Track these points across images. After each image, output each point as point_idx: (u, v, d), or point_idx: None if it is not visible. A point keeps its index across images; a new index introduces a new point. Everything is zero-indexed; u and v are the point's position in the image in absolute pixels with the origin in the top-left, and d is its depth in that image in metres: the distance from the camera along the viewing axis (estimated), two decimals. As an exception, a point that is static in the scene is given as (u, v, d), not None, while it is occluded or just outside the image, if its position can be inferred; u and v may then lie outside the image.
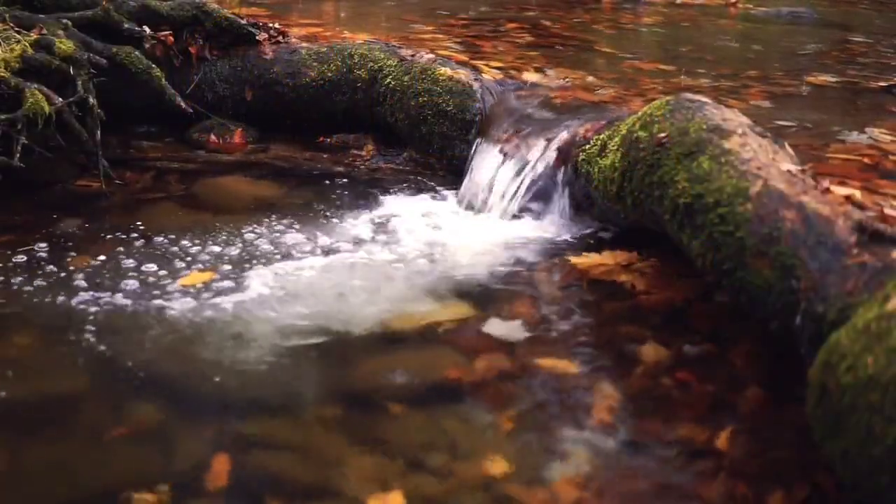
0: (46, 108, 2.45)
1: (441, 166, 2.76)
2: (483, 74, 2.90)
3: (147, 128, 3.01)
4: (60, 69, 2.57)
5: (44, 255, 2.14)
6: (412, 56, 2.91)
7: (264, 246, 2.24)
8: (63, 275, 2.05)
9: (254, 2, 4.47)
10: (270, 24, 3.17)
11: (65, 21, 2.76)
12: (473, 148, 2.63)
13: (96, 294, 1.97)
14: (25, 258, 2.13)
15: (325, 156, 2.91)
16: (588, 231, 2.35)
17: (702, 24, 4.69)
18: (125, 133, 2.93)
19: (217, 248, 2.21)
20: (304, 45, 3.07)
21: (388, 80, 2.88)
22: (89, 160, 2.61)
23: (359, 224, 2.40)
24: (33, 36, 2.61)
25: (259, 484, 1.43)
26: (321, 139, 2.98)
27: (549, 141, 2.45)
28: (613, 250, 2.19)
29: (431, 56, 2.91)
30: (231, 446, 1.52)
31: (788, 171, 1.74)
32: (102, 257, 2.14)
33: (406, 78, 2.84)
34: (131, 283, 2.02)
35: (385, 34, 3.48)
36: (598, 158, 2.22)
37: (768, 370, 1.72)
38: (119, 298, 1.96)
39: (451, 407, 1.65)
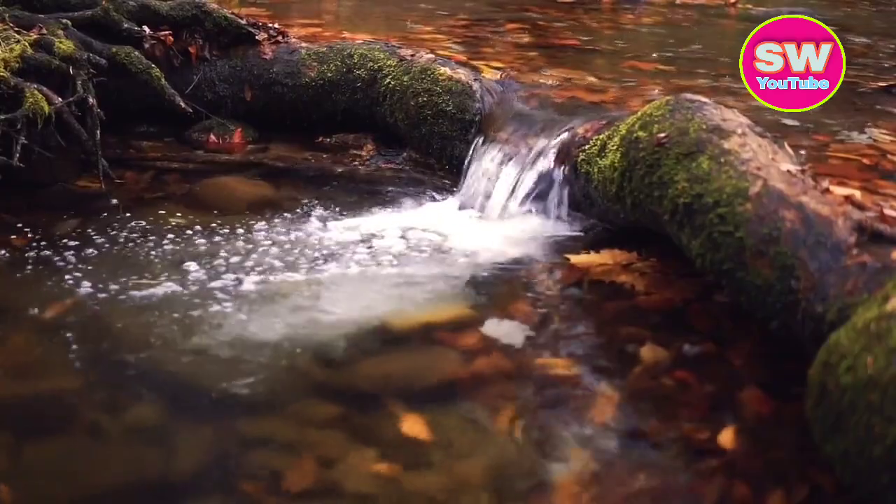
0: (46, 108, 2.45)
1: (441, 166, 2.76)
2: (483, 74, 2.90)
3: (147, 128, 3.01)
4: (60, 69, 2.57)
5: (43, 255, 2.14)
6: (412, 56, 2.91)
7: (263, 245, 2.24)
8: (63, 274, 2.05)
9: (254, 2, 4.46)
10: (270, 24, 3.16)
11: (64, 21, 2.76)
12: (473, 148, 2.63)
13: (96, 293, 1.97)
14: (25, 258, 2.13)
15: (324, 156, 2.91)
16: (587, 231, 2.34)
17: (701, 24, 4.69)
18: (125, 133, 2.93)
19: (216, 248, 2.21)
20: (304, 45, 3.07)
21: (388, 80, 2.88)
22: (89, 160, 2.61)
23: (358, 224, 2.40)
24: (33, 36, 2.61)
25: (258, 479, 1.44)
26: (321, 139, 2.98)
27: (548, 141, 2.45)
28: (613, 250, 2.18)
29: (431, 56, 2.91)
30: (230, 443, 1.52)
31: (788, 171, 1.74)
32: (102, 257, 2.14)
33: (406, 78, 2.84)
34: (130, 283, 2.02)
35: (385, 34, 3.48)
36: (597, 158, 2.22)
37: (768, 370, 1.71)
38: (118, 297, 1.96)
39: (450, 407, 1.65)
